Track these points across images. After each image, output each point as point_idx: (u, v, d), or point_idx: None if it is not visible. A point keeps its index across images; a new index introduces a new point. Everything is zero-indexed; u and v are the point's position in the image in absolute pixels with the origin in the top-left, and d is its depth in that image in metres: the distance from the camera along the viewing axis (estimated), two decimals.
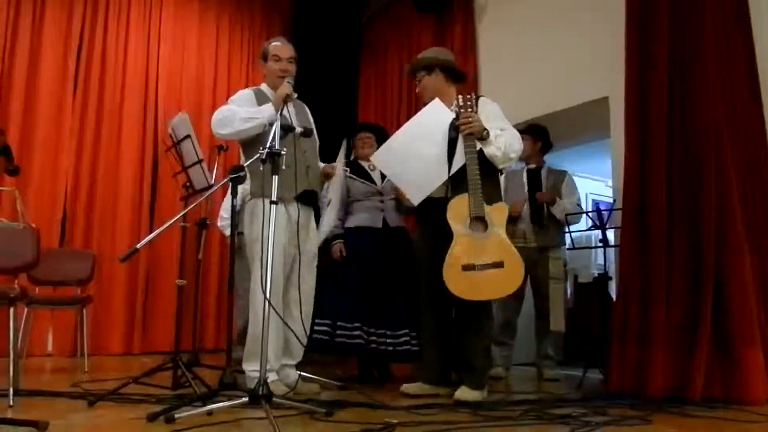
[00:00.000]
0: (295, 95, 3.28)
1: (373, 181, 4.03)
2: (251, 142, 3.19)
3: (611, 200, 4.49)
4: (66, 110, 5.67)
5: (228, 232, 3.84)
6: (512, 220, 4.35)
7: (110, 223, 5.74)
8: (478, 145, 3.12)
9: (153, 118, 6.06)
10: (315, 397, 3.03)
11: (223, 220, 4.45)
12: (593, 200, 6.70)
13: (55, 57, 5.67)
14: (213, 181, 3.33)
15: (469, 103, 3.14)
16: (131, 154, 5.91)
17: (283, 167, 2.55)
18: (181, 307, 3.42)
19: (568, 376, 4.27)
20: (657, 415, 2.60)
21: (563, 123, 4.75)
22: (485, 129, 3.12)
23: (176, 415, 2.26)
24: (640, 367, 3.17)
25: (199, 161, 3.25)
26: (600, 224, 3.91)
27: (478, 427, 2.35)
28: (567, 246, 4.47)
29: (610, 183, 5.40)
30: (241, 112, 3.16)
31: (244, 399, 2.33)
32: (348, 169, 4.00)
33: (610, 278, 4.08)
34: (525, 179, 4.44)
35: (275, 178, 2.51)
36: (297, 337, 3.11)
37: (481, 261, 3.01)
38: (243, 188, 3.31)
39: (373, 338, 3.69)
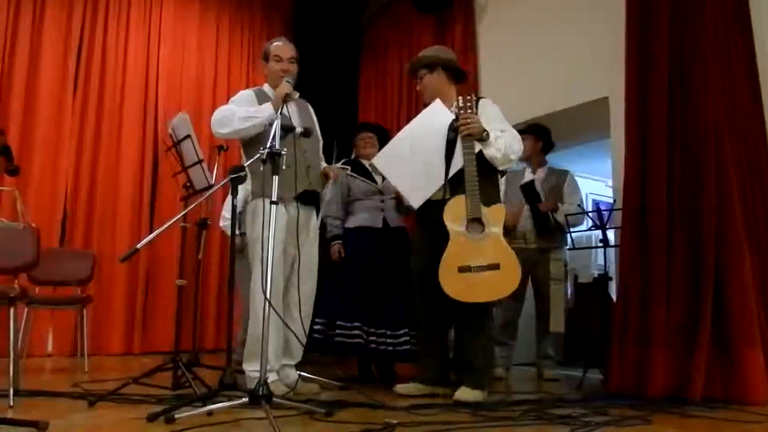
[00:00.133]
0: (297, 94, 3.29)
1: (374, 180, 4.03)
2: (252, 142, 3.19)
3: (611, 200, 4.49)
4: (66, 110, 5.67)
5: (248, 234, 3.84)
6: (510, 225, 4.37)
7: (110, 223, 5.74)
8: (478, 147, 3.12)
9: (153, 118, 6.06)
10: (315, 398, 3.03)
11: (226, 220, 4.45)
12: (593, 200, 6.70)
13: (55, 57, 5.67)
14: (213, 181, 3.33)
15: (469, 104, 3.14)
16: (131, 154, 5.91)
17: (284, 167, 2.55)
18: (181, 308, 3.42)
19: (568, 377, 4.27)
20: (657, 415, 2.60)
21: (563, 123, 4.75)
22: (485, 130, 3.12)
23: (176, 416, 2.26)
24: (640, 367, 3.17)
25: (200, 161, 3.24)
26: (600, 224, 3.91)
27: (478, 427, 2.35)
28: (567, 246, 4.47)
29: (610, 183, 5.40)
30: (240, 111, 3.16)
31: (244, 399, 2.33)
32: (349, 167, 4.00)
33: (611, 278, 4.08)
34: (521, 195, 4.42)
35: (275, 178, 2.51)
36: (297, 338, 3.11)
37: (477, 263, 3.01)
38: (245, 189, 3.32)
39: (373, 338, 3.70)
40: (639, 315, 3.25)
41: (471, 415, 2.58)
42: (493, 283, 2.99)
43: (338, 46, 6.83)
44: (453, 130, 3.17)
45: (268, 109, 3.12)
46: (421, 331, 3.40)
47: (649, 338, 3.17)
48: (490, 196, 3.17)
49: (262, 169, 2.59)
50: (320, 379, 3.43)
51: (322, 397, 3.09)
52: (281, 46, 3.36)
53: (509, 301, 4.18)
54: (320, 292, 3.51)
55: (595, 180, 7.03)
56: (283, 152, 2.52)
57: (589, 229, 4.23)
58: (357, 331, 3.70)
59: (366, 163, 4.09)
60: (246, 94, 3.37)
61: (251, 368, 3.08)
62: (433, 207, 3.19)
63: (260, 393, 2.28)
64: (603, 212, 3.94)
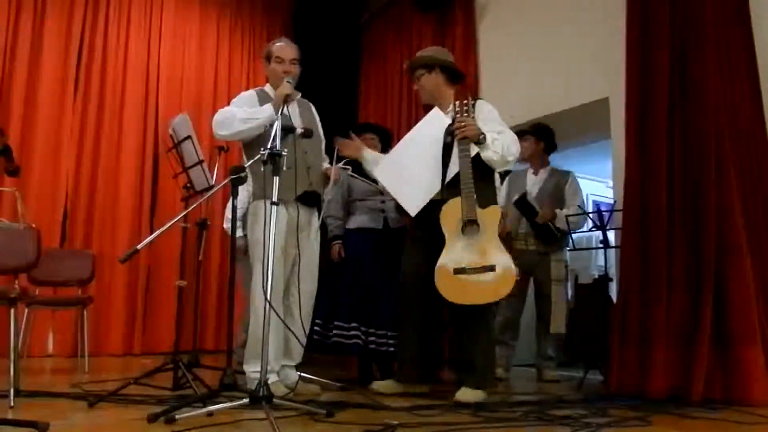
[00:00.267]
0: (298, 94, 3.28)
1: (375, 181, 4.03)
2: (252, 143, 3.19)
3: (612, 201, 4.48)
4: (67, 111, 5.68)
5: (238, 233, 3.84)
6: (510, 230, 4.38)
7: (111, 224, 5.75)
8: (475, 149, 3.12)
9: (154, 118, 6.07)
10: (315, 398, 3.03)
11: (229, 221, 4.43)
12: (594, 201, 6.69)
13: (56, 57, 5.68)
14: (214, 182, 3.33)
15: (465, 107, 3.15)
16: (132, 155, 5.92)
17: (284, 168, 2.54)
18: (181, 308, 3.42)
19: (568, 377, 4.27)
20: (657, 416, 2.60)
21: (564, 124, 4.75)
22: (482, 133, 3.12)
23: (176, 416, 2.26)
24: (640, 367, 3.17)
25: (200, 162, 3.25)
26: (601, 225, 3.91)
27: (479, 428, 2.34)
28: (568, 247, 4.47)
29: (610, 184, 5.40)
30: (241, 113, 3.16)
31: (244, 400, 2.33)
32: (350, 168, 3.99)
33: (611, 279, 4.08)
34: (517, 212, 4.42)
35: (276, 179, 2.51)
36: (297, 339, 3.11)
37: (472, 265, 3.01)
38: (247, 190, 3.32)
39: (373, 338, 3.70)
40: (639, 316, 3.25)
41: (471, 416, 2.58)
42: (489, 285, 2.99)
43: (338, 46, 6.83)
44: (450, 134, 3.18)
45: (268, 109, 3.12)
46: (401, 330, 3.40)
47: (649, 339, 3.17)
48: (486, 198, 3.17)
49: (262, 169, 2.59)
50: (321, 379, 3.43)
51: (323, 398, 3.09)
52: (283, 47, 3.35)
53: (510, 299, 4.18)
54: (320, 292, 3.51)
55: (596, 181, 7.02)
56: (283, 153, 2.52)
57: (590, 230, 4.23)
58: (354, 332, 3.70)
59: None
60: (247, 95, 3.37)
61: (251, 369, 3.08)
62: (429, 207, 3.19)
63: (260, 394, 2.28)
64: (603, 213, 3.94)
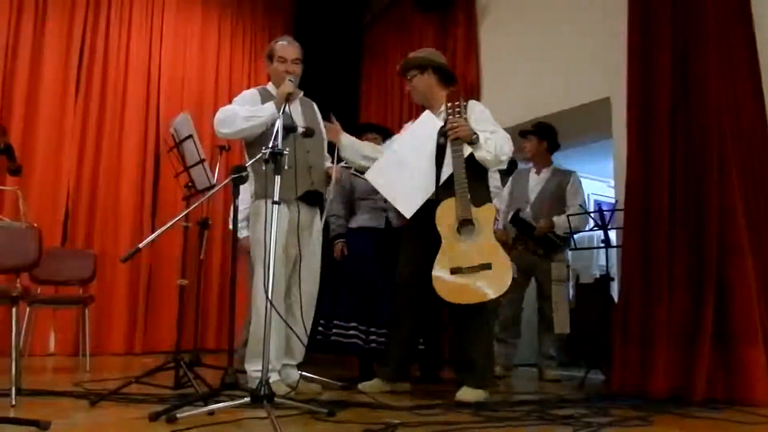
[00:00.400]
0: (300, 93, 3.28)
1: None
2: (254, 142, 3.19)
3: (613, 201, 4.48)
4: (68, 110, 5.68)
5: (243, 234, 3.84)
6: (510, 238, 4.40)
7: (112, 223, 5.75)
8: (468, 150, 3.14)
9: (155, 118, 6.08)
10: (316, 397, 3.03)
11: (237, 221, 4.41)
12: (595, 201, 6.69)
13: (58, 57, 5.68)
14: (215, 181, 3.33)
15: (458, 108, 3.16)
16: (133, 154, 5.92)
17: (285, 167, 2.54)
18: (182, 307, 3.42)
19: (569, 377, 4.26)
20: (659, 415, 2.60)
21: (565, 124, 4.74)
22: (474, 133, 3.13)
23: (178, 415, 2.26)
24: (642, 367, 3.17)
25: (201, 161, 3.25)
26: (602, 225, 3.91)
27: (480, 427, 2.34)
28: (570, 247, 4.46)
29: (612, 183, 5.39)
30: (243, 111, 3.16)
31: (245, 399, 2.33)
32: (352, 167, 3.99)
33: (612, 279, 4.08)
34: (526, 197, 4.44)
35: (277, 179, 2.50)
36: (298, 338, 3.11)
37: (468, 263, 3.01)
38: (250, 189, 3.32)
39: (374, 337, 3.70)
40: (641, 315, 3.25)
41: (473, 416, 2.57)
42: (486, 283, 2.99)
43: (339, 46, 6.83)
44: (442, 135, 3.19)
45: (270, 108, 3.11)
46: (392, 329, 3.42)
47: (650, 338, 3.17)
48: (480, 198, 3.19)
49: (264, 169, 2.58)
50: (322, 379, 3.43)
51: (324, 397, 3.09)
52: (285, 47, 3.34)
53: (510, 297, 4.20)
54: (322, 291, 3.52)
55: (597, 180, 7.02)
56: (285, 152, 2.52)
57: (591, 230, 4.22)
58: (353, 332, 3.71)
59: None
60: (249, 94, 3.36)
61: (253, 368, 3.08)
62: (425, 208, 3.20)
63: (262, 393, 2.28)
64: (605, 213, 3.93)
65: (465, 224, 3.05)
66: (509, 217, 4.40)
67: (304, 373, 3.28)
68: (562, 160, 5.01)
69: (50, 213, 5.45)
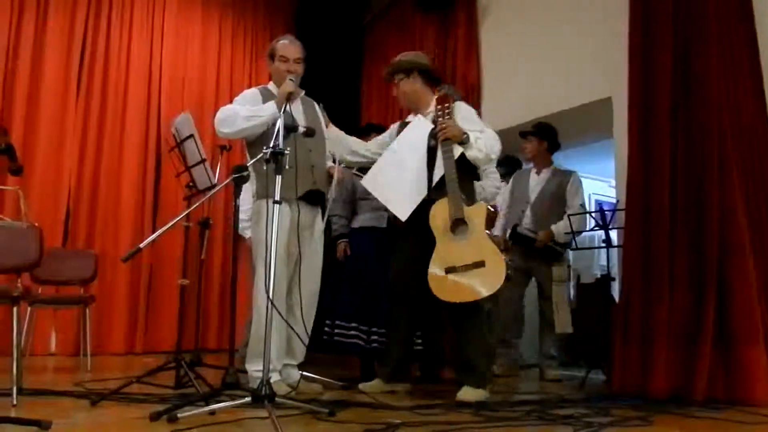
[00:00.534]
0: (301, 92, 3.28)
1: None
2: (255, 142, 3.19)
3: (614, 200, 4.48)
4: (69, 110, 5.68)
5: (247, 234, 3.85)
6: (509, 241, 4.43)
7: (113, 223, 5.75)
8: (459, 150, 3.16)
9: (156, 117, 6.08)
10: (317, 397, 3.03)
11: (243, 222, 4.41)
12: (596, 201, 6.69)
13: (59, 57, 5.68)
14: (216, 181, 3.33)
15: (447, 110, 3.19)
16: (134, 154, 5.92)
17: (287, 167, 2.54)
18: (183, 307, 3.42)
19: (570, 377, 4.26)
20: (659, 415, 2.60)
21: (566, 124, 4.74)
22: (465, 133, 3.16)
23: (179, 415, 2.26)
24: (642, 367, 3.17)
25: (202, 161, 3.25)
26: (603, 225, 3.91)
27: (481, 427, 2.34)
28: (571, 246, 4.46)
29: (613, 183, 5.39)
30: (244, 110, 3.15)
31: (246, 399, 2.33)
32: (354, 167, 3.99)
33: (613, 279, 4.08)
34: (527, 197, 4.44)
35: (278, 178, 2.50)
36: (299, 338, 3.11)
37: (462, 262, 3.03)
38: (251, 189, 3.32)
39: (375, 337, 3.70)
40: (641, 315, 3.25)
41: (474, 416, 2.57)
42: (479, 281, 3.01)
43: (341, 47, 6.83)
44: (433, 137, 3.22)
45: (271, 107, 3.11)
46: (394, 330, 3.42)
47: (651, 339, 3.17)
48: (472, 197, 3.24)
49: (265, 168, 2.58)
50: (323, 378, 3.43)
51: (325, 397, 3.09)
52: (287, 46, 3.34)
53: (510, 293, 4.22)
54: (324, 291, 3.52)
55: (598, 180, 7.02)
56: (286, 152, 2.52)
57: (592, 230, 4.23)
58: (354, 332, 3.71)
59: None
60: (250, 93, 3.36)
61: (254, 368, 3.08)
62: (418, 208, 3.22)
63: (263, 393, 2.28)
64: (606, 212, 3.93)
65: (458, 224, 3.08)
66: (508, 232, 4.41)
67: (305, 373, 3.28)
68: (563, 160, 5.02)
69: (51, 213, 5.45)
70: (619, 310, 3.42)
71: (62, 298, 4.85)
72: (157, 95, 6.13)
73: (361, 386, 3.31)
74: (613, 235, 3.97)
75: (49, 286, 4.75)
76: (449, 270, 3.04)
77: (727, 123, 3.18)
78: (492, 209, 4.39)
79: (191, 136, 3.26)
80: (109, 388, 2.93)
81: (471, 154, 3.17)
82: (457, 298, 3.05)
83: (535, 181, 4.51)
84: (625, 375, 3.24)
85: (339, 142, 3.52)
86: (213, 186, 3.19)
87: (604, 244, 3.97)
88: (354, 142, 3.59)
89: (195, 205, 3.01)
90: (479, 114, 5.43)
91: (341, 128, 3.63)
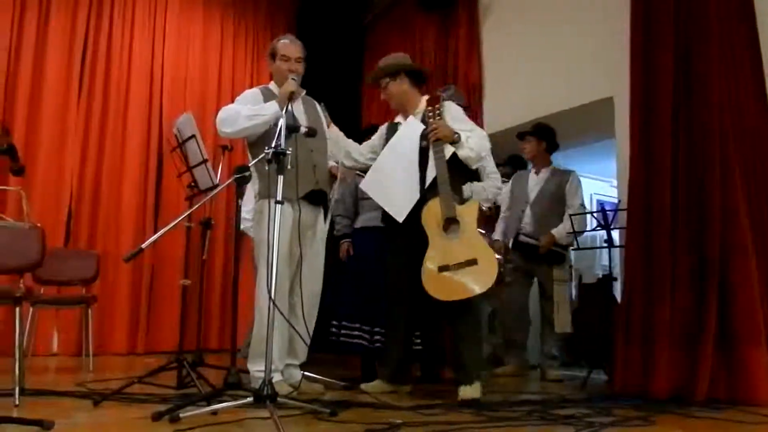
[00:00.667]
0: (303, 92, 3.28)
1: None
2: (257, 142, 3.19)
3: (616, 201, 4.48)
4: (71, 110, 5.69)
5: (252, 234, 3.85)
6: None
7: (115, 223, 5.76)
8: (450, 149, 3.18)
9: (158, 118, 6.08)
10: (319, 397, 3.03)
11: (247, 222, 4.41)
12: (598, 201, 6.69)
13: (61, 57, 5.69)
14: (218, 181, 3.34)
15: (438, 111, 3.22)
16: (136, 154, 5.93)
17: (288, 167, 2.54)
18: (185, 307, 3.42)
19: (571, 377, 4.26)
20: (661, 416, 2.60)
21: (568, 123, 4.75)
22: (456, 133, 3.18)
23: (181, 415, 2.27)
24: (644, 367, 3.17)
25: (204, 161, 3.25)
26: (605, 225, 3.91)
27: (483, 427, 2.35)
28: (572, 247, 4.46)
29: (614, 183, 5.39)
30: (245, 110, 3.15)
31: (248, 399, 2.33)
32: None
33: (615, 279, 4.08)
34: (527, 197, 4.46)
35: (280, 179, 2.51)
36: (301, 338, 3.11)
37: (455, 261, 3.04)
38: (254, 189, 3.33)
39: (378, 337, 3.70)
40: (643, 315, 3.25)
41: (475, 415, 2.58)
42: (473, 279, 3.02)
43: (342, 46, 6.83)
44: (424, 138, 3.25)
45: (272, 107, 3.11)
46: (392, 330, 3.42)
47: (653, 339, 3.17)
48: (461, 197, 3.28)
49: (267, 168, 2.58)
50: (324, 378, 3.43)
51: (327, 397, 3.09)
52: (288, 45, 3.34)
53: (514, 295, 4.21)
54: (327, 291, 3.52)
55: (600, 180, 7.02)
56: (288, 152, 2.52)
57: (594, 230, 4.23)
58: (357, 332, 3.72)
59: None
60: (251, 93, 3.36)
61: (255, 368, 3.08)
62: (413, 208, 3.23)
63: (265, 393, 2.29)
64: (608, 212, 3.93)
65: (450, 222, 3.10)
66: (511, 241, 4.41)
67: (306, 373, 3.28)
68: (564, 160, 5.02)
69: (53, 213, 5.45)
70: (621, 310, 3.42)
71: (64, 299, 4.85)
72: (158, 95, 6.14)
73: (362, 386, 3.32)
74: (615, 235, 3.97)
75: (51, 286, 4.75)
76: (442, 268, 3.06)
77: (728, 123, 3.18)
78: (490, 210, 4.39)
79: (193, 136, 3.26)
80: (111, 389, 2.94)
81: (463, 153, 3.20)
82: (450, 296, 3.07)
83: (534, 181, 4.51)
84: (627, 375, 3.24)
85: (337, 144, 3.54)
86: (215, 186, 3.19)
87: (605, 244, 3.97)
88: (351, 145, 3.61)
89: (197, 206, 3.01)
90: (481, 114, 5.48)
91: (342, 128, 3.64)
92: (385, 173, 3.37)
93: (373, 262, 3.84)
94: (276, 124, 2.67)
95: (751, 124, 3.25)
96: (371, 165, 3.48)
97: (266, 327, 2.44)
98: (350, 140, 3.64)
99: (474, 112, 5.20)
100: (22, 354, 3.03)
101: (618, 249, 4.09)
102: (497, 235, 4.59)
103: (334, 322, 3.76)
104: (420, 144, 3.26)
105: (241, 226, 4.40)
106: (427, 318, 3.68)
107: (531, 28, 5.18)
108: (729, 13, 3.32)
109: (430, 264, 3.08)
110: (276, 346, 2.90)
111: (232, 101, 3.41)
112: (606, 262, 4.15)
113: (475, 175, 3.95)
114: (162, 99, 6.14)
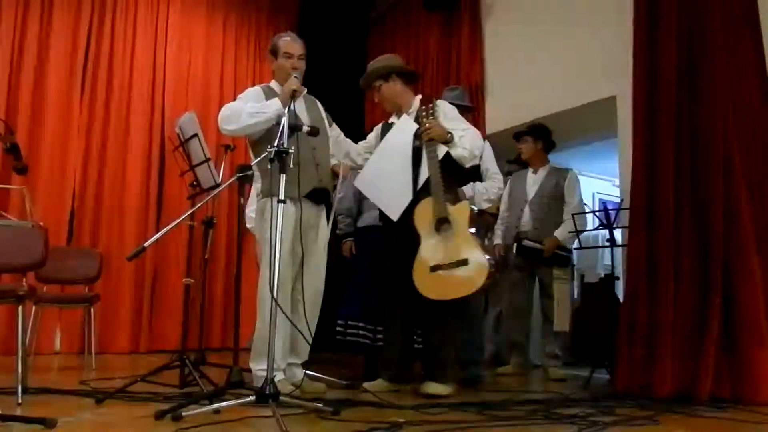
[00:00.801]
0: (305, 90, 3.28)
1: None
2: (259, 141, 3.18)
3: (618, 200, 4.47)
4: (74, 109, 5.70)
5: (257, 233, 3.84)
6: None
7: (118, 222, 5.77)
8: (443, 149, 3.19)
9: (160, 117, 6.09)
10: (321, 396, 3.03)
11: (252, 221, 4.40)
12: (600, 200, 6.68)
13: (63, 56, 5.70)
14: (220, 180, 3.33)
15: (431, 111, 3.22)
16: (138, 153, 5.93)
17: (291, 165, 2.54)
18: (187, 306, 3.42)
19: (574, 377, 4.25)
20: (665, 415, 2.59)
21: (570, 122, 4.74)
22: (449, 132, 3.18)
23: (183, 413, 2.27)
24: (647, 367, 3.16)
25: (207, 160, 3.25)
26: (607, 224, 3.90)
27: (486, 426, 2.34)
28: (574, 246, 4.46)
29: (617, 182, 5.39)
30: (248, 107, 3.14)
31: (251, 397, 2.34)
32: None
33: (618, 278, 4.07)
34: (525, 196, 4.46)
35: (282, 177, 2.50)
36: (304, 336, 3.11)
37: (447, 261, 3.06)
38: (257, 188, 3.33)
39: (380, 336, 3.70)
40: (646, 315, 3.24)
41: (478, 415, 2.57)
42: (464, 279, 3.03)
43: (345, 46, 6.83)
44: (417, 137, 3.25)
45: (275, 104, 3.10)
46: (389, 330, 3.42)
47: (656, 338, 3.16)
48: (455, 196, 3.28)
49: (269, 167, 2.58)
50: (327, 377, 3.43)
51: (329, 396, 3.09)
52: (290, 43, 3.32)
53: (517, 296, 4.21)
54: (328, 290, 3.52)
55: (602, 179, 7.01)
56: (290, 150, 2.52)
57: (596, 229, 4.22)
58: (362, 331, 3.72)
59: None
60: (253, 91, 3.35)
61: (258, 367, 3.08)
62: (407, 207, 3.24)
63: (267, 391, 2.29)
64: (610, 212, 3.92)
65: (442, 223, 3.10)
66: (515, 247, 4.41)
67: (308, 371, 3.28)
68: (567, 159, 5.02)
69: (56, 212, 5.46)
70: (624, 310, 3.41)
71: (67, 297, 4.87)
72: (161, 94, 6.14)
73: (365, 385, 3.32)
74: (618, 234, 3.96)
75: (54, 285, 4.77)
76: (434, 268, 3.07)
77: (732, 123, 3.18)
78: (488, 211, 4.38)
79: (195, 135, 3.26)
80: (113, 387, 2.94)
81: (456, 152, 3.20)
82: (443, 296, 3.09)
83: (533, 180, 4.51)
84: (630, 374, 3.23)
85: (337, 144, 3.53)
86: (217, 185, 3.19)
87: (608, 244, 3.96)
88: (350, 146, 3.62)
89: (199, 205, 3.01)
90: (482, 114, 5.48)
91: (344, 127, 3.64)
92: (379, 172, 3.37)
93: (377, 260, 3.84)
94: (278, 123, 2.66)
95: (753, 125, 3.24)
96: None
97: (268, 326, 2.43)
98: (349, 140, 3.64)
99: (476, 112, 5.20)
100: (25, 352, 3.04)
101: (620, 248, 4.08)
102: (497, 239, 4.59)
103: (340, 321, 3.76)
104: (413, 143, 3.26)
105: (247, 225, 4.44)
106: (426, 317, 3.68)
107: (533, 27, 5.17)
108: (733, 13, 3.32)
109: (421, 263, 3.10)
110: (278, 344, 2.89)
111: (235, 100, 3.40)
112: (608, 262, 4.15)
113: (477, 176, 3.94)
114: (164, 98, 6.15)
